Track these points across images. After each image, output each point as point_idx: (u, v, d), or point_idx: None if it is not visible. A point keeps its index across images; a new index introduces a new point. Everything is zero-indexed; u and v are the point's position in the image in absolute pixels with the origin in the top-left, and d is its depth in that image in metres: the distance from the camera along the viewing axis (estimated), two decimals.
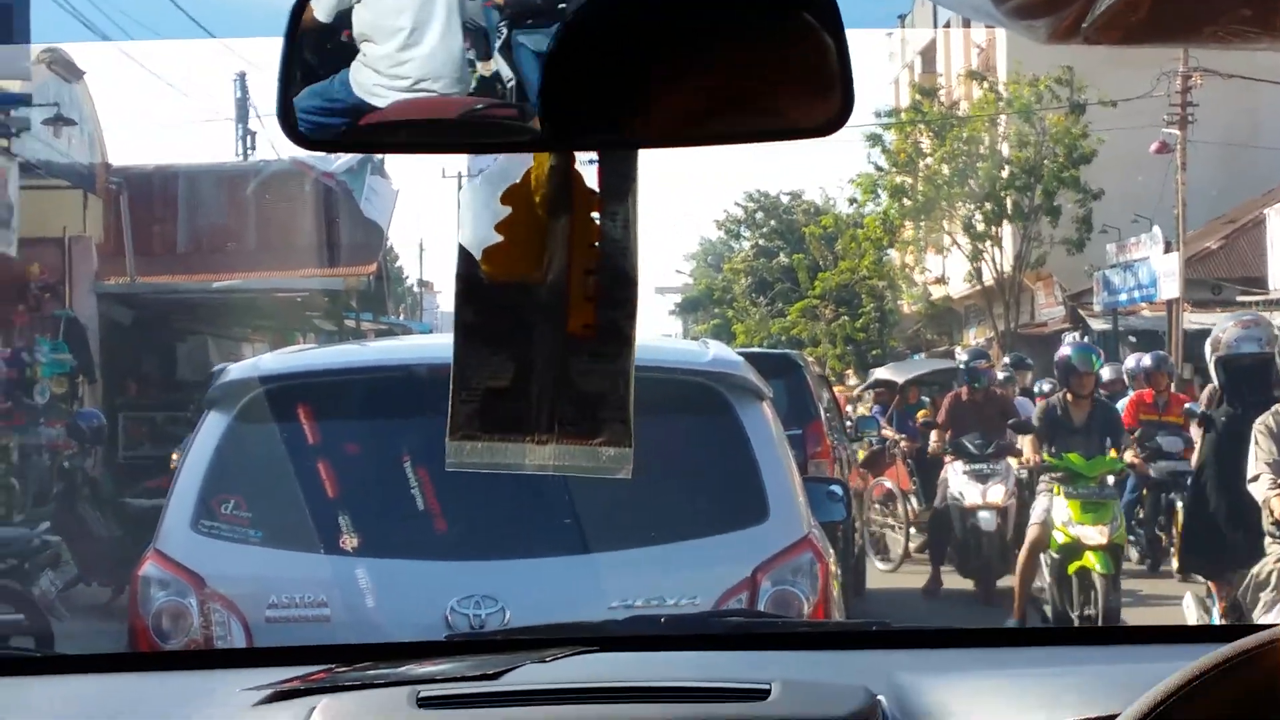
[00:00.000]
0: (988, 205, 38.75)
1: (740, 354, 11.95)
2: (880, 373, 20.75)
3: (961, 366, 15.92)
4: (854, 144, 40.96)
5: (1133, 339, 34.40)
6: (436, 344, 6.06)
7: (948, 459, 14.59)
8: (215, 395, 5.49)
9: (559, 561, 5.18)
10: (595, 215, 1.92)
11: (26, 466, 19.26)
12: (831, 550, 5.59)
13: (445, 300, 76.73)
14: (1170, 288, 33.00)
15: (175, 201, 26.02)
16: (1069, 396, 11.74)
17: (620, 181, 1.92)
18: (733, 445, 5.30)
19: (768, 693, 2.36)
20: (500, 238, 1.93)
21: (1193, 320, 32.39)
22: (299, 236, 25.93)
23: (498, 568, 5.10)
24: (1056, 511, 11.02)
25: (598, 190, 1.92)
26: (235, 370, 5.77)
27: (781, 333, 53.12)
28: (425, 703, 2.36)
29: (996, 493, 13.92)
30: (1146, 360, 16.66)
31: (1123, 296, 36.17)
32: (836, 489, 6.45)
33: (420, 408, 5.12)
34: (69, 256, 22.13)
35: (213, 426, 5.32)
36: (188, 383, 24.76)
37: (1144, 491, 15.44)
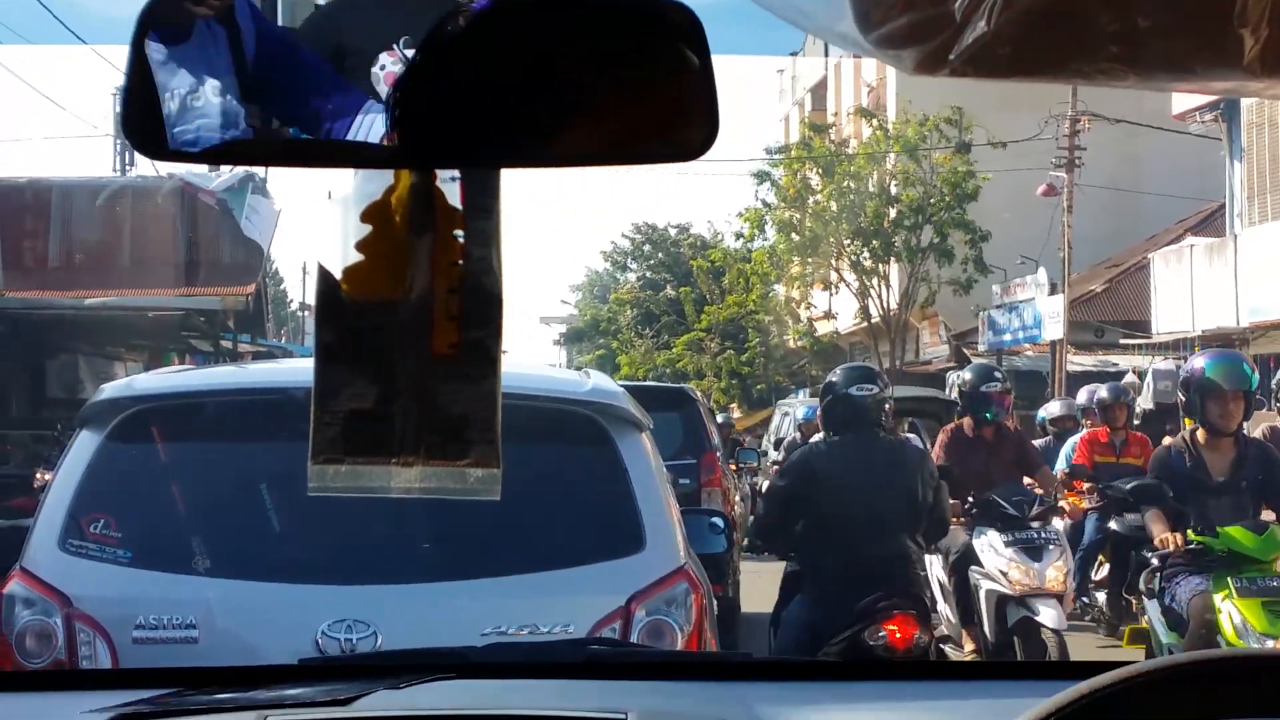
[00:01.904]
0: (875, 243, 38.86)
1: (636, 387, 11.48)
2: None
3: (961, 387, 11.58)
4: (743, 179, 41.10)
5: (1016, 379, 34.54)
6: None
7: (961, 523, 10.04)
8: (88, 414, 5.38)
9: (433, 587, 5.13)
10: (458, 233, 1.89)
11: None
12: (708, 581, 5.56)
13: None
14: (1055, 329, 33.17)
15: (48, 214, 25.31)
16: (1202, 435, 8.36)
17: (482, 199, 1.90)
18: (610, 475, 5.27)
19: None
20: (361, 256, 1.89)
21: (1076, 362, 32.55)
22: (176, 254, 25.40)
23: (370, 592, 5.03)
24: (1225, 617, 8.00)
25: (460, 208, 1.90)
26: (109, 389, 5.61)
27: (667, 365, 53.19)
28: None
29: (1057, 574, 9.89)
30: (1102, 392, 14.47)
31: (1007, 337, 36.37)
32: (718, 520, 6.42)
33: (296, 431, 4.80)
34: None
35: (84, 445, 5.21)
36: (56, 401, 24.19)
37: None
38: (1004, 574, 9.81)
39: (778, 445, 23.35)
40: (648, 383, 32.07)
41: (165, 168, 24.51)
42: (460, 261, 1.90)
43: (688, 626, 5.11)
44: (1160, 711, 1.63)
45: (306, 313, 74.13)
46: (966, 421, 10.97)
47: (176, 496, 5.28)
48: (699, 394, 18.77)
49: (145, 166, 27.24)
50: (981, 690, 2.76)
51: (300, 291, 68.82)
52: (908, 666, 5.23)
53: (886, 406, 8.27)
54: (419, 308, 1.89)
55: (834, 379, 8.35)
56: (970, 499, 10.26)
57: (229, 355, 23.46)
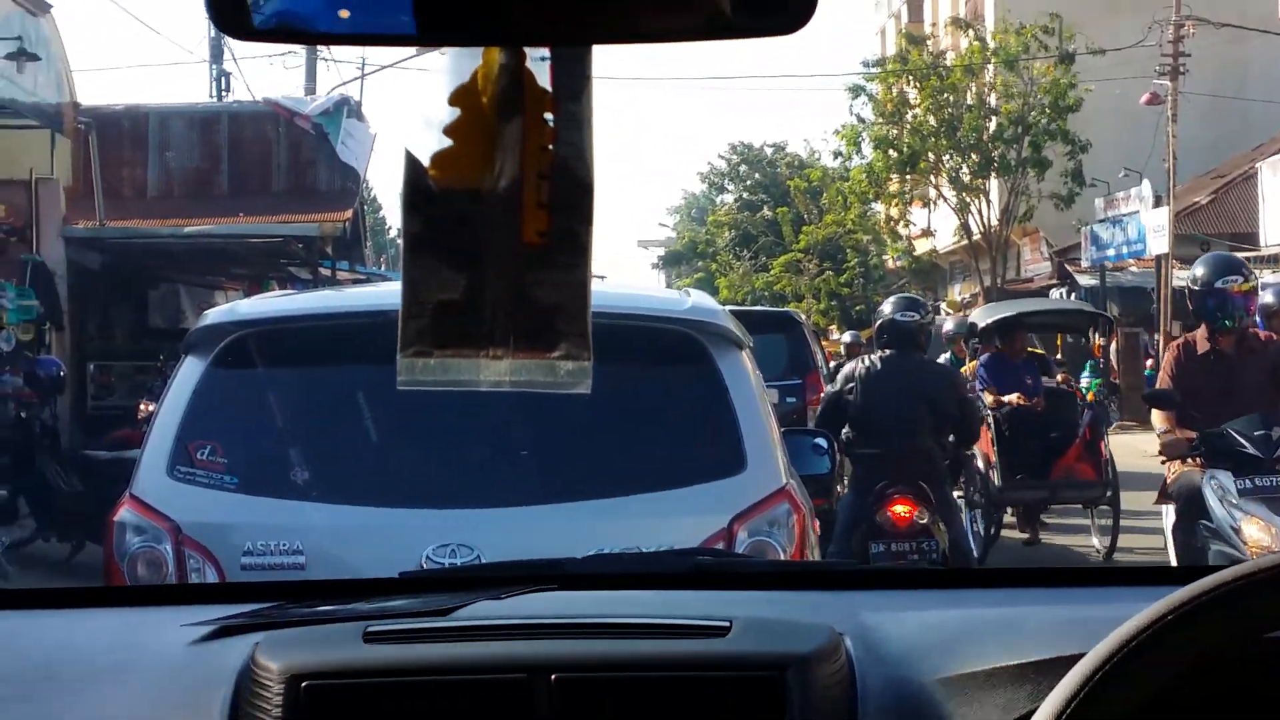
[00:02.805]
0: (974, 157, 38.39)
1: (742, 311, 12.01)
2: (975, 316, 16.34)
3: (1192, 285, 8.93)
4: (839, 95, 40.75)
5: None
6: None
7: (1187, 466, 8.47)
8: (192, 340, 5.39)
9: (536, 510, 5.08)
10: (548, 116, 1.82)
11: None
12: (809, 501, 5.55)
13: None
14: (1159, 243, 32.68)
15: (146, 143, 25.34)
16: None
17: (573, 80, 1.83)
18: (711, 395, 5.24)
19: (727, 629, 2.29)
20: (448, 141, 1.83)
21: (1182, 277, 32.09)
22: (273, 181, 25.43)
23: (474, 516, 5.00)
24: None
25: (550, 90, 1.82)
26: (212, 315, 5.66)
27: (765, 287, 52.98)
28: (372, 638, 2.28)
29: None
30: (1267, 297, 10.80)
31: (1110, 252, 35.83)
32: (821, 441, 6.47)
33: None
34: (35, 199, 21.42)
35: (189, 372, 5.24)
36: (158, 331, 24.33)
37: None
38: (1236, 531, 7.97)
39: None
40: (754, 307, 32.02)
41: (261, 93, 24.53)
42: (550, 146, 1.83)
43: (790, 546, 5.10)
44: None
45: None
46: (1200, 332, 8.80)
47: (281, 422, 5.29)
48: (803, 316, 19.85)
49: (241, 92, 27.31)
50: (1090, 596, 2.73)
51: (398, 218, 69.03)
52: (1013, 573, 5.18)
53: (928, 331, 10.42)
54: (508, 194, 1.83)
55: (885, 307, 10.24)
56: (1200, 433, 8.23)
57: (327, 282, 23.39)
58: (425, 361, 1.89)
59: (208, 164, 25.60)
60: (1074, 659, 1.72)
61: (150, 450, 5.15)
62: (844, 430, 9.49)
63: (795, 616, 2.45)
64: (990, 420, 13.55)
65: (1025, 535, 14.62)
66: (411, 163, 1.84)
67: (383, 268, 35.75)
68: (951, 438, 10.05)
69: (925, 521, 9.37)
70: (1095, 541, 14.03)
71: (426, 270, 1.87)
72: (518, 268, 1.85)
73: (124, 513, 5.08)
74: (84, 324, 23.07)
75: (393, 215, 73.19)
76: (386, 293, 7.53)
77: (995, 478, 13.62)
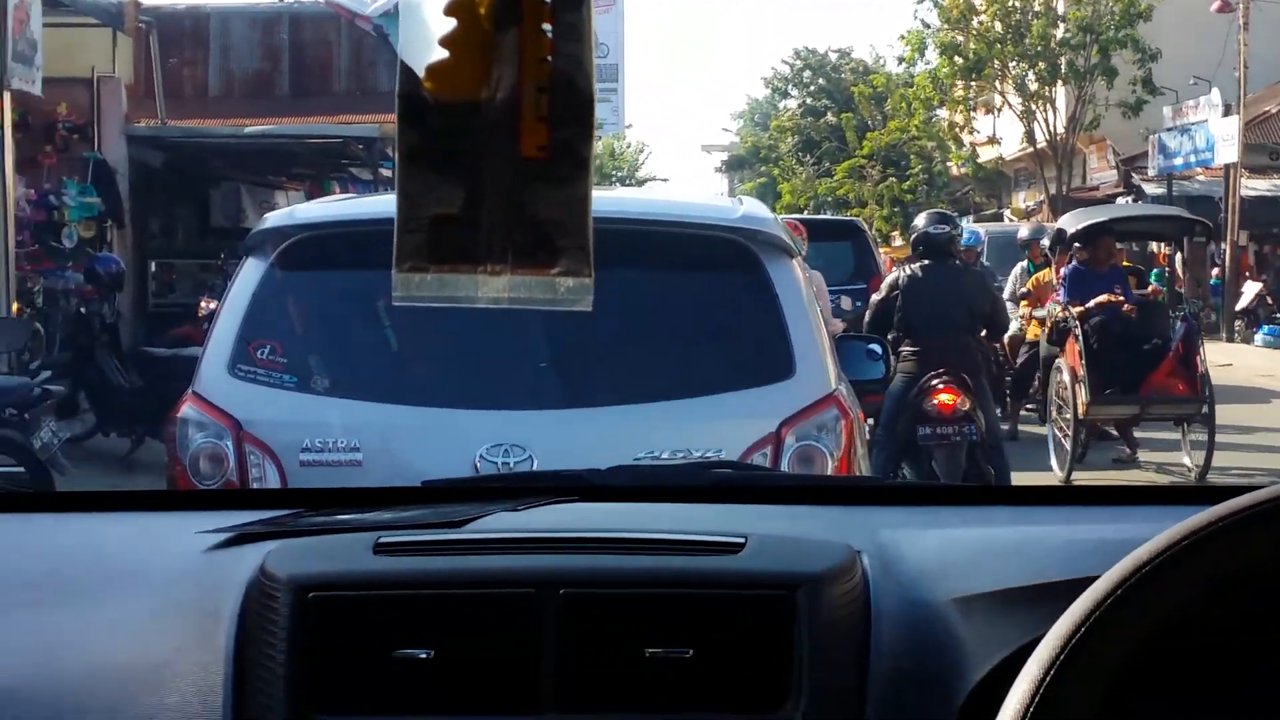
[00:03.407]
0: (1041, 64, 37.96)
1: (808, 220, 13.84)
2: (1064, 221, 15.39)
3: None
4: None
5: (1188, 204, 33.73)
6: None
7: None
8: (252, 242, 5.52)
9: (588, 413, 5.23)
10: (546, 27, 1.81)
11: (54, 311, 18.86)
12: (858, 407, 5.69)
13: None
14: (1228, 152, 32.23)
15: (207, 43, 25.42)
16: None
17: None
18: (761, 302, 5.32)
19: (742, 546, 2.29)
20: (445, 53, 1.81)
21: (1250, 186, 31.71)
22: (334, 82, 25.42)
23: (527, 418, 5.12)
24: None
25: (548, 1, 1.81)
26: (272, 218, 5.81)
27: (828, 193, 52.83)
28: (383, 549, 2.28)
29: None
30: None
31: (1178, 161, 35.36)
32: (875, 347, 6.58)
33: None
34: (97, 97, 21.45)
35: (250, 273, 5.36)
36: (220, 230, 24.41)
37: None
38: None
39: None
40: (819, 216, 32.18)
41: None
42: (549, 58, 1.81)
43: (838, 451, 5.19)
44: None
45: None
46: None
47: (339, 324, 5.46)
48: (865, 225, 20.68)
49: None
50: (1110, 515, 2.71)
51: None
52: (1034, 491, 5.38)
53: (958, 241, 11.92)
54: (506, 108, 1.81)
55: (919, 221, 11.58)
56: None
57: (388, 184, 23.41)
58: (422, 277, 1.87)
59: (268, 65, 25.65)
60: (1089, 581, 1.71)
61: (212, 349, 5.28)
62: (890, 332, 10.47)
63: (813, 533, 2.44)
64: (1077, 333, 13.41)
65: (1119, 452, 14.26)
66: (406, 74, 1.83)
67: None
68: (984, 332, 11.35)
69: (967, 408, 10.47)
70: (1187, 460, 13.65)
71: (423, 184, 1.85)
72: (516, 182, 1.83)
73: (186, 409, 5.23)
74: (145, 222, 23.14)
75: None
76: None
77: (1083, 392, 13.28)
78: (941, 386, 10.52)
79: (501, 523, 2.48)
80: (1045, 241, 15.83)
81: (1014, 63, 38.69)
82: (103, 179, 21.18)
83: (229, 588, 2.25)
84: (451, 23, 1.81)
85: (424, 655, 2.14)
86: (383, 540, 2.30)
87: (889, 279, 11.55)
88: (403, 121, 1.84)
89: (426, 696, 2.15)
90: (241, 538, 2.43)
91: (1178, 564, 1.64)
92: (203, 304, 18.08)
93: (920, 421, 10.54)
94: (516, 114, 1.81)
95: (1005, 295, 15.19)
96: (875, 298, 11.50)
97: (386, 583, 2.23)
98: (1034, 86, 38.73)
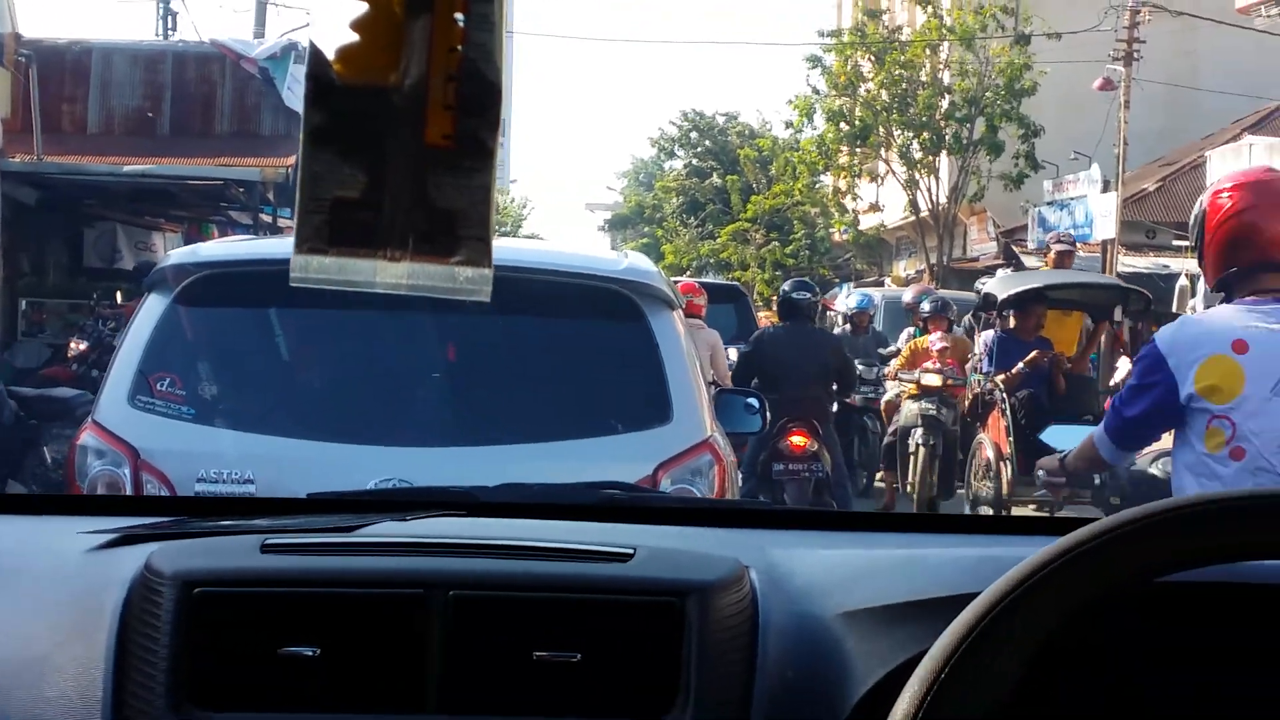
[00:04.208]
0: (926, 134, 38.30)
1: (692, 282, 14.34)
2: (992, 286, 14.89)
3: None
4: (792, 66, 40.59)
5: None
6: None
7: None
8: (155, 278, 5.66)
9: (474, 451, 5.36)
10: (459, 16, 1.80)
11: None
12: (732, 454, 5.90)
13: None
14: (1106, 228, 32.62)
15: (88, 79, 24.90)
16: None
17: None
18: (642, 351, 5.53)
19: (630, 556, 2.30)
20: (355, 36, 1.79)
21: (1126, 263, 32.07)
22: (216, 123, 25.08)
23: (416, 454, 5.26)
24: None
25: None
26: (175, 255, 5.97)
27: (711, 255, 52.97)
28: (270, 549, 2.27)
29: None
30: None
31: None
32: (753, 400, 6.82)
33: (351, 300, 5.49)
34: None
35: (152, 307, 5.51)
36: (94, 270, 23.97)
37: None
38: None
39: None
40: (707, 280, 32.53)
41: (208, 34, 24.21)
42: (459, 47, 1.80)
43: (711, 495, 5.35)
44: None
45: None
46: None
47: (237, 358, 5.66)
48: (747, 289, 24.17)
49: (187, 31, 26.85)
50: (996, 542, 2.77)
51: None
52: (917, 519, 5.72)
53: (816, 305, 13.79)
54: (413, 94, 1.79)
55: (785, 287, 13.44)
56: None
57: (268, 228, 23.13)
58: (320, 259, 1.83)
59: (150, 103, 25.20)
60: (970, 597, 1.72)
61: (113, 380, 5.42)
62: (753, 380, 11.98)
63: (703, 548, 2.44)
64: (1004, 406, 13.14)
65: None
66: (315, 55, 1.79)
67: None
68: (835, 386, 13.14)
69: (815, 449, 12.19)
70: None
71: (326, 165, 1.81)
72: (420, 169, 1.81)
73: (86, 437, 5.36)
74: (17, 259, 22.67)
75: None
76: None
77: (1007, 470, 12.98)
78: (793, 429, 12.14)
79: (390, 530, 2.46)
80: (925, 306, 16.32)
81: (899, 131, 39.00)
82: None
83: (111, 585, 2.22)
84: (364, 6, 1.79)
85: (310, 653, 2.12)
86: (270, 541, 2.29)
87: (754, 335, 13.60)
88: (310, 101, 1.81)
89: (312, 694, 2.13)
90: (125, 539, 2.40)
91: (1059, 578, 1.66)
92: (72, 344, 17.71)
93: (774, 459, 12.11)
94: (423, 101, 1.79)
95: (894, 360, 15.71)
96: (742, 349, 13.22)
97: (274, 580, 2.20)
98: (918, 155, 39.03)
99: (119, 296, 18.96)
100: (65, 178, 22.37)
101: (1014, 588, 1.67)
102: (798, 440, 12.14)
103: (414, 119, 1.80)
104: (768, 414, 7.29)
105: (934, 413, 14.40)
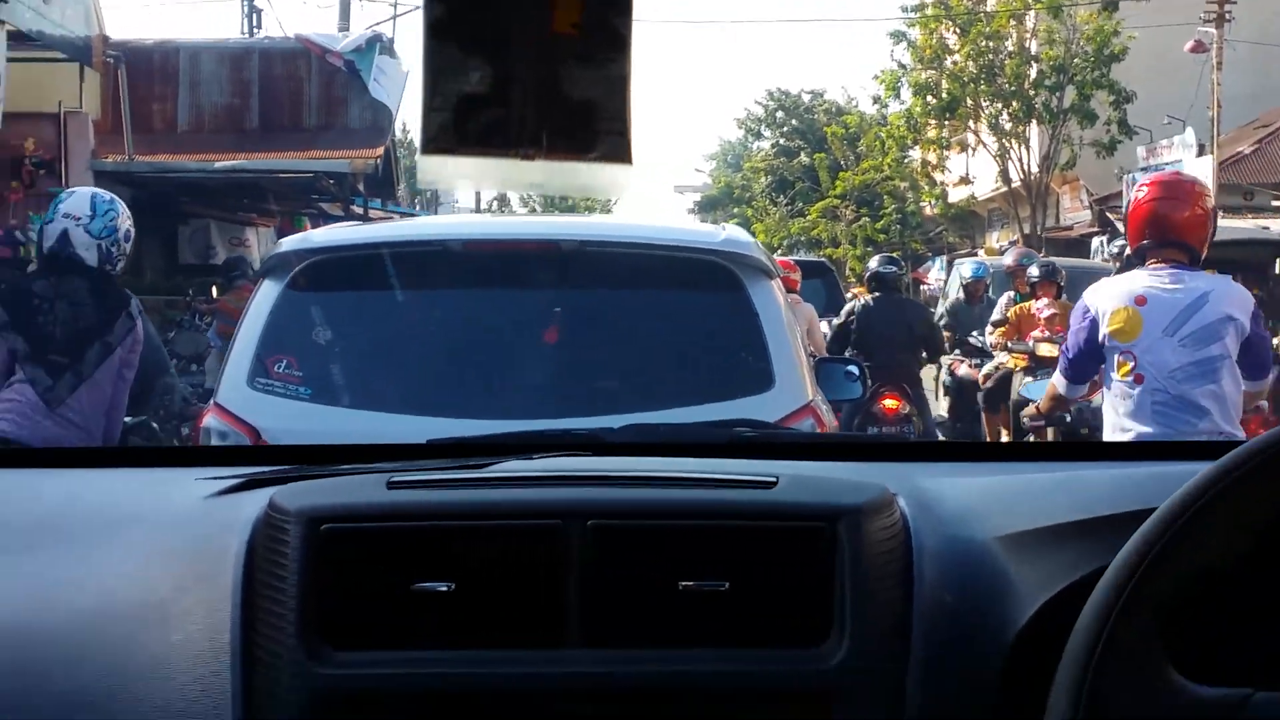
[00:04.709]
0: (1015, 104, 37.93)
1: (786, 259, 14.44)
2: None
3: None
4: (878, 41, 40.32)
5: None
6: (474, 222, 7.39)
7: None
8: (269, 265, 5.84)
9: (583, 422, 5.21)
10: None
11: None
12: (833, 419, 6.01)
13: (466, 196, 76.84)
14: None
15: (176, 78, 25.03)
16: None
17: None
18: (743, 320, 5.59)
19: (774, 483, 2.21)
20: None
21: (1224, 226, 31.66)
22: (304, 118, 25.17)
23: (525, 427, 5.14)
24: None
25: None
26: (288, 243, 6.10)
27: (801, 233, 52.81)
28: (397, 486, 2.21)
29: None
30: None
31: None
32: (853, 368, 6.86)
33: (462, 279, 5.80)
34: (64, 132, 21.19)
35: (267, 293, 5.67)
36: (189, 267, 24.11)
37: None
38: None
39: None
40: (796, 258, 32.66)
41: (293, 29, 24.33)
42: None
43: None
44: None
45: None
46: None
47: (351, 338, 5.74)
48: (833, 265, 25.27)
49: (272, 28, 26.92)
50: (1149, 465, 2.65)
51: None
52: (1078, 447, 5.73)
53: (902, 278, 15.51)
54: None
55: (871, 263, 14.75)
56: None
57: (359, 220, 23.18)
58: (447, 160, 1.76)
59: (238, 100, 25.30)
60: (1142, 514, 1.67)
61: (232, 364, 5.56)
62: (846, 351, 12.90)
63: (847, 477, 2.36)
64: None
65: None
66: None
67: (417, 209, 35.54)
68: (924, 353, 13.86)
69: (907, 411, 12.90)
70: None
71: (449, 60, 1.74)
72: (549, 60, 1.73)
73: (209, 419, 5.50)
74: None
75: None
76: (443, 223, 8.31)
77: None
78: (886, 393, 12.84)
79: (517, 467, 2.39)
80: (1034, 270, 15.26)
81: (988, 102, 38.65)
82: None
83: (234, 527, 2.18)
84: None
85: (444, 589, 2.07)
86: (396, 479, 2.23)
87: (846, 308, 14.38)
88: None
89: (446, 630, 2.08)
90: (244, 485, 2.37)
91: (1244, 485, 1.61)
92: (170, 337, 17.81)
93: (869, 423, 12.68)
94: None
95: (990, 324, 15.28)
96: (835, 322, 14.13)
97: (403, 514, 2.15)
98: (1008, 125, 38.67)
99: (214, 291, 19.00)
100: (157, 176, 22.53)
101: (1198, 497, 1.61)
102: (890, 404, 12.81)
103: (539, 6, 1.72)
104: (867, 380, 7.33)
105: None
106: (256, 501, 2.22)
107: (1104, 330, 6.25)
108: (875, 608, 2.08)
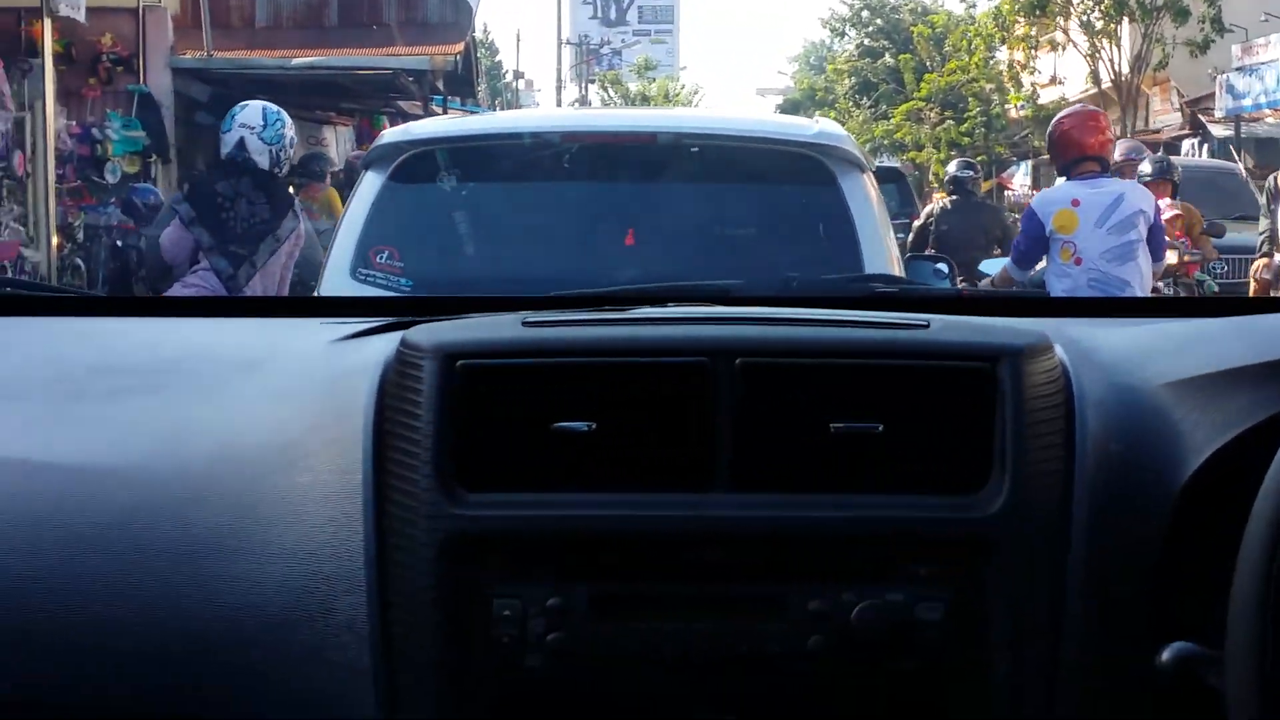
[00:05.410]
0: (1106, 1, 37.11)
1: None
2: None
3: None
4: None
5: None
6: (569, 115, 7.42)
7: None
8: (371, 156, 5.92)
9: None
10: None
11: (96, 248, 18.49)
12: None
13: (546, 98, 76.49)
14: None
15: None
16: None
17: None
18: (834, 212, 5.58)
19: (927, 325, 2.12)
20: None
21: None
22: (382, 13, 24.91)
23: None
24: None
25: None
26: (389, 135, 6.18)
27: (885, 136, 52.26)
28: (533, 324, 2.13)
29: None
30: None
31: (1247, 102, 34.47)
32: (942, 266, 6.86)
33: (562, 170, 5.76)
34: (142, 28, 21.05)
35: (369, 184, 5.71)
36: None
37: None
38: None
39: None
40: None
41: None
42: None
43: None
44: None
45: (521, 82, 74.07)
46: None
47: (451, 230, 5.82)
48: (904, 172, 26.28)
49: None
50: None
51: (514, 60, 68.63)
52: (1245, 302, 5.73)
53: (978, 181, 15.73)
54: None
55: (950, 168, 15.69)
56: None
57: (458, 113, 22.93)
58: None
59: None
60: None
61: (335, 255, 5.62)
62: (926, 249, 13.41)
63: (998, 324, 2.29)
64: None
65: None
66: None
67: (497, 109, 35.25)
68: (997, 250, 13.82)
69: None
70: None
71: None
72: None
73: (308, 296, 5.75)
74: (191, 157, 22.73)
75: (508, 60, 72.96)
76: (545, 117, 8.60)
77: None
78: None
79: (655, 312, 2.30)
80: (1145, 167, 13.77)
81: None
82: (147, 112, 20.81)
83: (365, 367, 2.12)
84: None
85: (585, 428, 2.00)
86: (530, 319, 2.14)
87: (926, 209, 15.53)
88: None
89: (588, 471, 2.01)
90: (373, 330, 2.33)
91: None
92: None
93: None
94: None
95: None
96: (916, 224, 15.18)
97: (542, 350, 2.07)
98: (1099, 24, 37.89)
99: (290, 190, 18.88)
100: (235, 73, 22.41)
101: None
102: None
103: None
104: (956, 278, 7.39)
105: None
106: (387, 344, 2.16)
107: (1049, 227, 8.37)
108: (1037, 454, 1.99)
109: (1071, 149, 8.57)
